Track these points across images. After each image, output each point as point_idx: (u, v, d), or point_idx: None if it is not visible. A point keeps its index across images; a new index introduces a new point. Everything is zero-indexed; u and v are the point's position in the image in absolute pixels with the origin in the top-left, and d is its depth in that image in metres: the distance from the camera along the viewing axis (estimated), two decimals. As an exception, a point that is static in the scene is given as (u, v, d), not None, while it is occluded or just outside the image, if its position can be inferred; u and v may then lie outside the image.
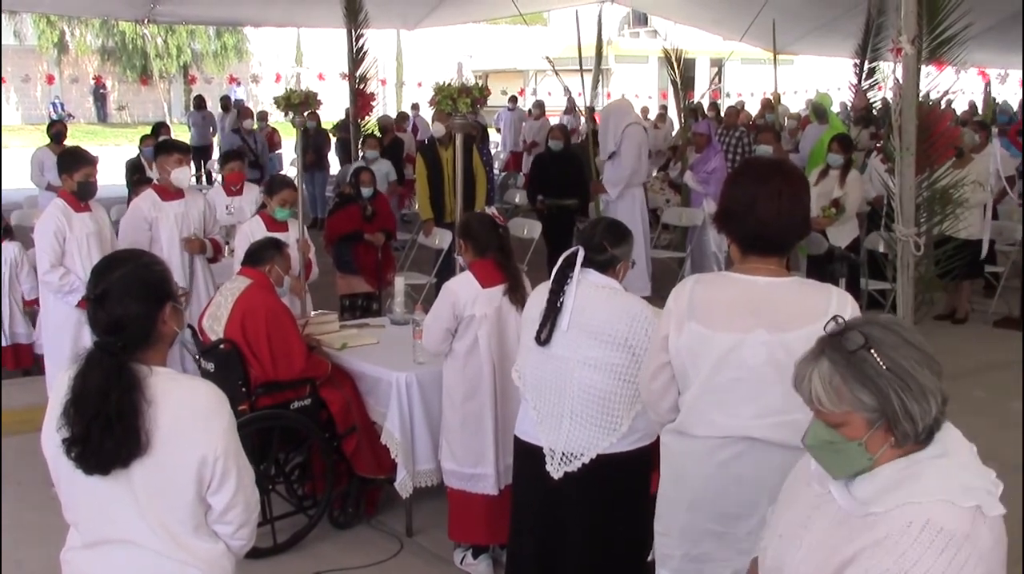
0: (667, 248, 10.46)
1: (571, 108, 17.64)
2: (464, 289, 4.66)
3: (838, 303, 2.75)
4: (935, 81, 7.86)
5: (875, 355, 1.96)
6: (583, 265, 3.67)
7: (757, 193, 2.80)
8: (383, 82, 17.40)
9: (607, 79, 25.38)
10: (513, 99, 19.70)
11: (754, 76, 26.52)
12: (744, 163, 3.07)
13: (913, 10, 7.31)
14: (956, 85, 10.28)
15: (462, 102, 5.33)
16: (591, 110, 9.08)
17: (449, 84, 5.59)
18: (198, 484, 2.46)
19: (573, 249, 3.73)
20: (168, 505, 2.46)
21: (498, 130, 19.37)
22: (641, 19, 31.44)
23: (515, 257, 4.88)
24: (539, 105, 17.68)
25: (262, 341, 5.01)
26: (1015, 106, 18.64)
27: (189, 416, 2.46)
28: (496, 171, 16.73)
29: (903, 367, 1.96)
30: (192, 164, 17.93)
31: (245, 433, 4.77)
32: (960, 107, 18.96)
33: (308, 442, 5.16)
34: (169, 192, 6.57)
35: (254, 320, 5.03)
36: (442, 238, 8.91)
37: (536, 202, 10.21)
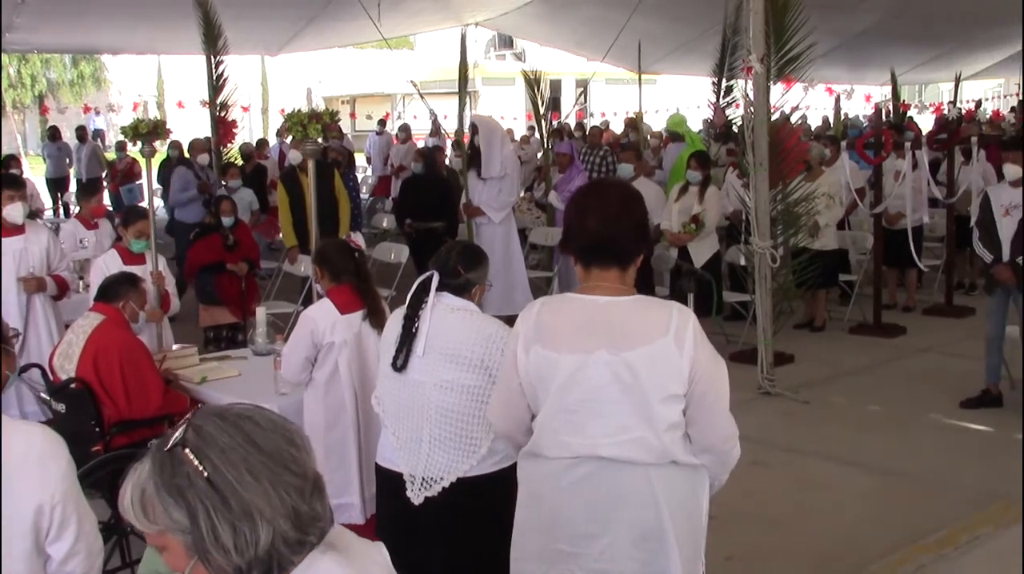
0: (535, 268, 10.53)
1: (436, 131, 17.67)
2: (322, 316, 4.60)
3: (679, 320, 2.79)
4: (784, 98, 8.18)
5: (192, 457, 1.49)
6: (438, 289, 3.66)
7: (588, 206, 2.88)
8: (245, 109, 17.11)
9: (475, 101, 25.55)
10: (381, 123, 19.63)
11: (618, 96, 27.04)
12: (580, 188, 3.13)
13: (761, 30, 7.60)
14: (805, 101, 10.68)
15: (312, 128, 5.27)
16: (474, 127, 9.09)
17: (299, 111, 5.52)
18: (35, 534, 2.37)
19: (428, 273, 3.71)
20: (4, 557, 2.35)
21: (367, 156, 19.29)
22: (507, 42, 31.78)
23: (374, 281, 4.85)
24: (405, 129, 17.66)
25: (116, 379, 4.86)
26: (865, 121, 19.42)
27: (22, 463, 2.36)
28: (365, 195, 16.63)
29: (226, 477, 1.48)
30: (48, 196, 17.40)
31: (99, 475, 4.66)
32: (815, 123, 19.69)
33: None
34: (6, 229, 6.33)
35: (107, 357, 4.88)
36: (307, 265, 8.79)
37: (404, 225, 10.19)
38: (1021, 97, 22.67)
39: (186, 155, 12.17)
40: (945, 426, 6.96)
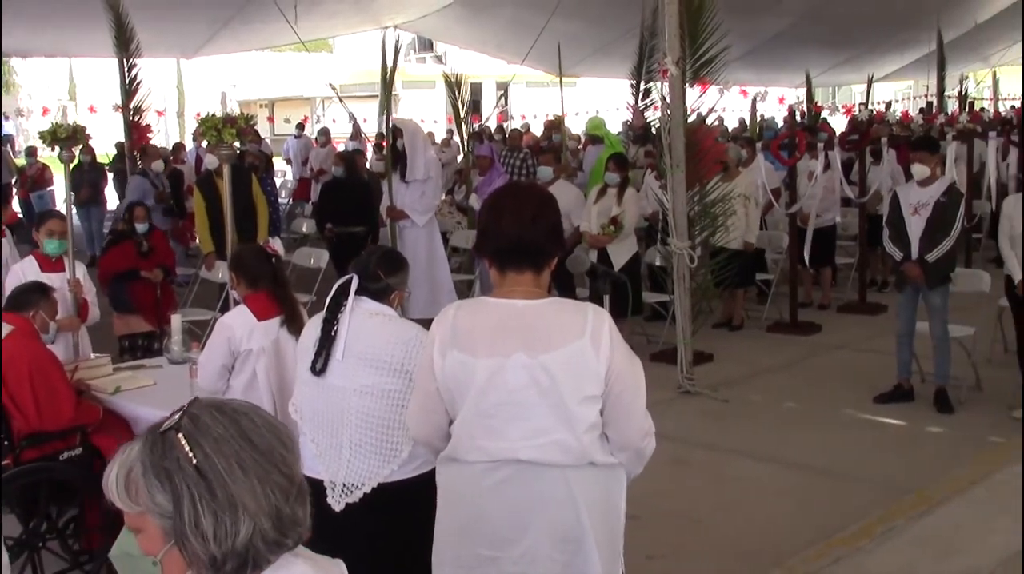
0: (457, 271, 10.52)
1: (356, 134, 17.56)
2: (239, 323, 4.54)
3: (595, 322, 2.80)
4: (700, 100, 8.28)
5: (184, 443, 1.49)
6: (357, 293, 3.63)
7: (503, 208, 2.89)
8: (160, 113, 16.82)
9: (395, 104, 25.42)
10: (299, 127, 19.44)
11: (539, 98, 27.14)
12: (494, 191, 3.14)
13: (676, 34, 7.69)
14: (721, 104, 10.85)
15: (227, 132, 5.20)
16: (398, 130, 9.04)
17: (213, 115, 5.45)
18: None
19: (347, 276, 3.69)
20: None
21: (287, 160, 19.09)
22: (427, 45, 31.71)
23: (294, 287, 4.81)
24: (325, 132, 17.50)
25: (25, 390, 4.73)
26: (781, 122, 19.75)
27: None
28: (284, 200, 16.46)
29: (216, 467, 1.48)
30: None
31: (9, 490, 4.54)
32: (732, 125, 19.99)
33: (82, 494, 4.89)
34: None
35: (16, 369, 4.75)
36: (225, 272, 8.66)
37: (325, 230, 10.11)
38: (929, 99, 23.25)
39: (98, 161, 11.92)
40: (859, 421, 7.11)
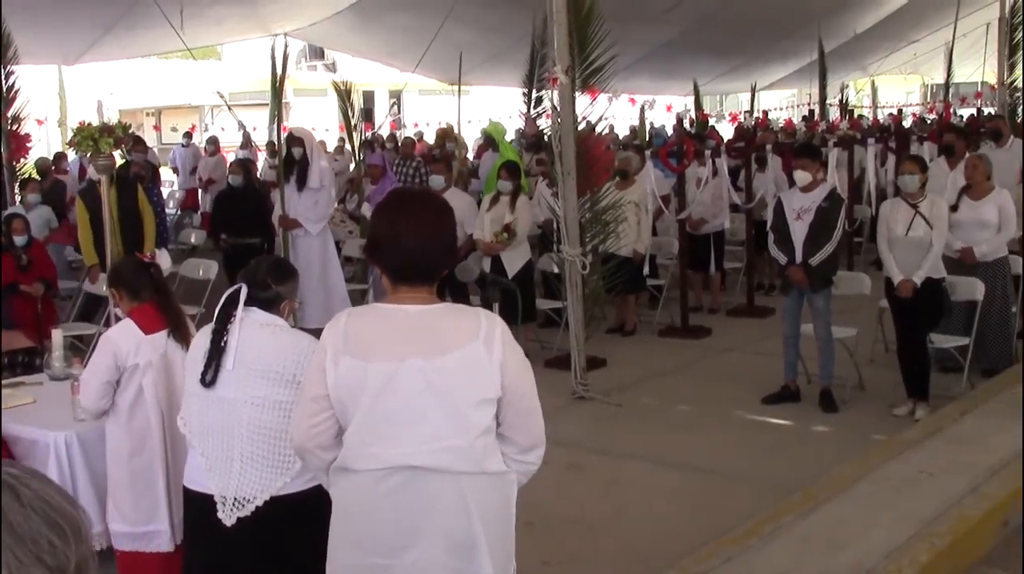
0: (351, 280, 10.42)
1: (247, 143, 17.29)
2: (125, 338, 4.43)
3: (487, 326, 2.83)
4: (590, 108, 8.37)
5: None
6: (247, 303, 3.58)
7: (401, 224, 2.86)
8: (40, 122, 16.31)
9: (286, 113, 25.12)
10: (187, 135, 19.05)
11: (432, 106, 27.11)
12: (388, 195, 3.12)
13: (565, 42, 7.76)
14: (611, 112, 10.98)
15: (104, 142, 5.07)
16: (294, 138, 8.92)
17: (89, 124, 5.30)
18: None
19: (236, 287, 3.64)
20: None
21: (175, 169, 18.68)
22: (318, 52, 31.37)
23: (182, 299, 4.71)
24: (213, 141, 17.18)
25: None
26: (671, 130, 20.09)
27: None
28: (172, 210, 16.11)
29: None
30: None
31: None
32: (623, 132, 20.25)
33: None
34: None
35: None
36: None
37: (220, 240, 9.93)
38: (811, 107, 23.93)
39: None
40: (748, 422, 7.27)
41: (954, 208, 7.59)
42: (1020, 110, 16.91)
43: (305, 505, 3.55)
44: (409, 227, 2.85)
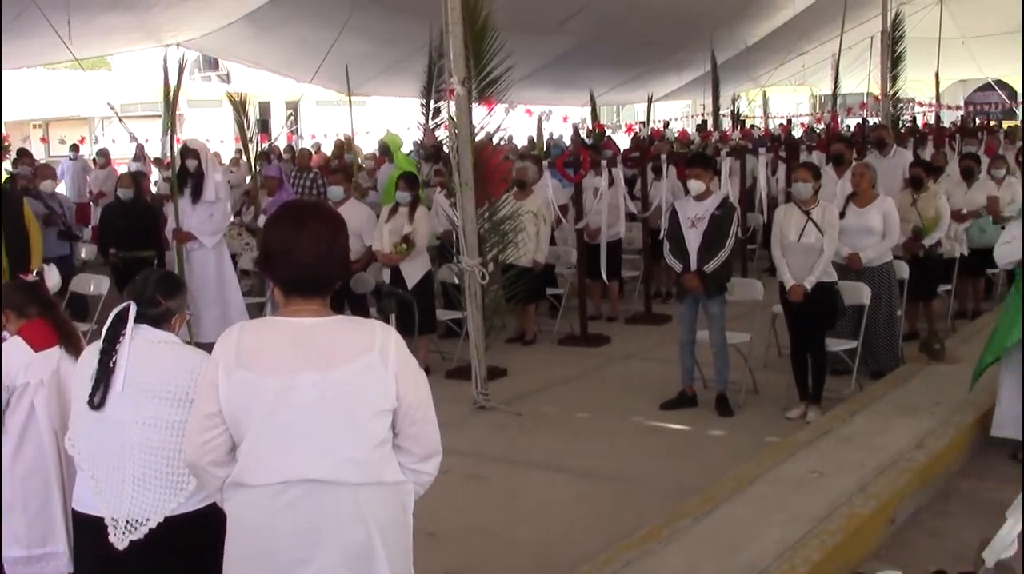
0: (248, 294, 10.27)
1: (140, 155, 16.93)
2: (14, 355, 4.30)
3: (382, 337, 2.84)
4: (487, 119, 8.41)
5: None
6: (136, 320, 3.51)
7: (295, 237, 2.84)
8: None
9: (180, 124, 24.66)
10: (74, 148, 18.53)
11: (329, 117, 26.90)
12: (281, 207, 3.09)
13: (461, 53, 7.78)
14: (509, 122, 11.05)
15: (-15, 156, 4.92)
16: (190, 151, 8.76)
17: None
18: None
19: (124, 304, 3.55)
20: None
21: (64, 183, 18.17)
22: (212, 63, 30.91)
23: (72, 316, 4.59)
24: (104, 153, 16.78)
25: None
26: (567, 140, 20.29)
27: None
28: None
29: None
30: None
31: None
32: (521, 143, 20.38)
33: None
34: None
35: None
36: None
37: (109, 255, 9.71)
38: (705, 117, 24.41)
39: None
40: (647, 427, 7.37)
41: (841, 215, 7.81)
42: (903, 119, 17.53)
43: (200, 525, 3.48)
44: (302, 239, 2.83)
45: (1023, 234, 6.38)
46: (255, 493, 2.83)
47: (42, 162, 12.17)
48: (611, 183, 10.28)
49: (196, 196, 8.77)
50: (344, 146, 17.14)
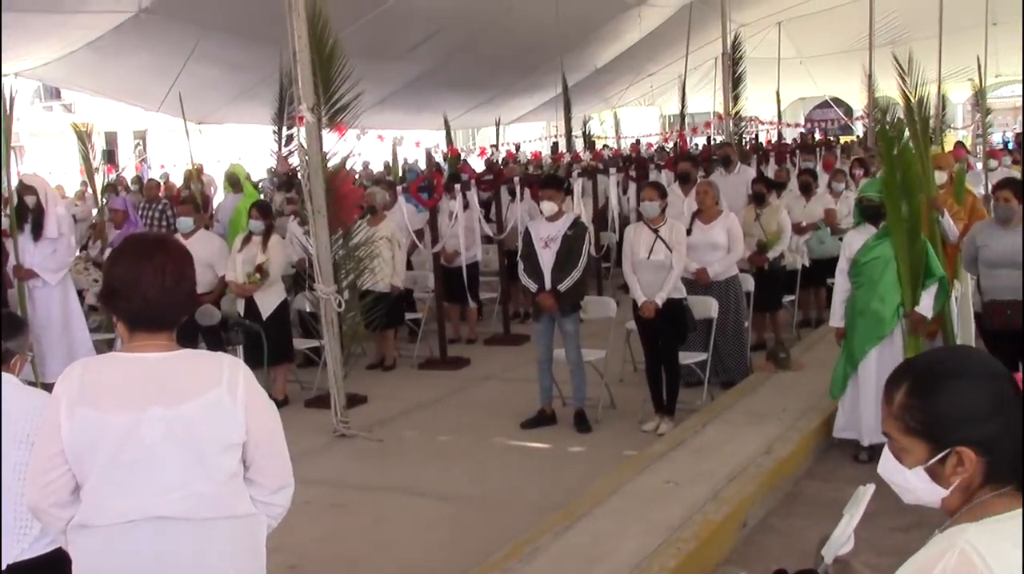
0: (97, 330, 9.94)
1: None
2: None
3: (230, 370, 2.81)
4: (337, 145, 8.38)
5: None
6: (-27, 363, 3.40)
7: (140, 271, 2.78)
8: None
9: (20, 157, 23.75)
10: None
11: (181, 146, 26.28)
12: (125, 241, 3.03)
13: (309, 80, 7.75)
14: (360, 148, 11.04)
15: None
16: (27, 186, 8.45)
17: None
18: None
19: (-39, 348, 3.44)
20: None
21: None
22: (53, 92, 29.88)
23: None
24: (-63, 188, 16.02)
25: None
26: (423, 165, 20.34)
27: None
28: None
29: None
30: None
31: None
32: (377, 168, 20.35)
33: None
34: None
35: None
36: None
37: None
38: (557, 139, 24.82)
39: None
40: (509, 447, 7.44)
41: (688, 232, 8.06)
42: (747, 137, 18.17)
43: (45, 571, 3.39)
44: (147, 273, 2.77)
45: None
46: (100, 533, 2.77)
47: None
48: (466, 206, 10.37)
49: (37, 233, 8.48)
50: (192, 176, 16.80)
